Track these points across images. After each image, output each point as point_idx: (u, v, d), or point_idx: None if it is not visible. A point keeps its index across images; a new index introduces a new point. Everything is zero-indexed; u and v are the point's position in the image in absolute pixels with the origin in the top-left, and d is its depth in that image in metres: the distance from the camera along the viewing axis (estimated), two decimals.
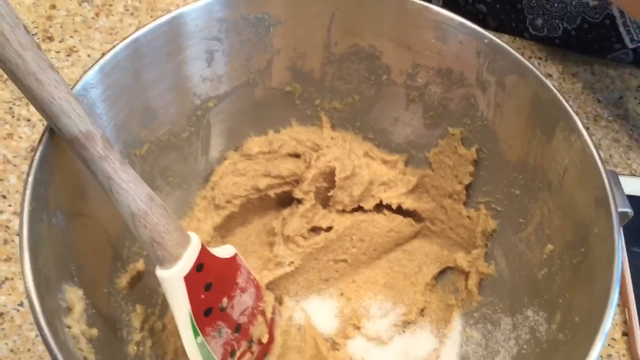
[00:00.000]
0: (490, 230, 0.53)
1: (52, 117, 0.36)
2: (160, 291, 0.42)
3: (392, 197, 0.56)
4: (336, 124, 0.56)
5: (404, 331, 0.55)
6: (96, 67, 0.40)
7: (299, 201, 0.55)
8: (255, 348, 0.49)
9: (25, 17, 0.68)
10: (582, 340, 0.39)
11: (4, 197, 0.57)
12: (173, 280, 0.41)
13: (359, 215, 0.56)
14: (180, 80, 0.47)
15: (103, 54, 0.41)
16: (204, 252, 0.43)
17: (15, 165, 0.58)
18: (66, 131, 0.36)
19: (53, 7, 0.69)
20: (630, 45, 0.73)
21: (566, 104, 0.44)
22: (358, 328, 0.54)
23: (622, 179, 0.62)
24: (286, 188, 0.55)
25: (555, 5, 0.72)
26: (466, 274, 0.54)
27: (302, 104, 0.55)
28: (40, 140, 0.38)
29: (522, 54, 0.47)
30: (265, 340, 0.49)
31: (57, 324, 0.36)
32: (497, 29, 0.78)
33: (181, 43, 0.45)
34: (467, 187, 0.54)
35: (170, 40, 0.44)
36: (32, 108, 0.61)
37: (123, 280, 0.46)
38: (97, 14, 0.69)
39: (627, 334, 0.57)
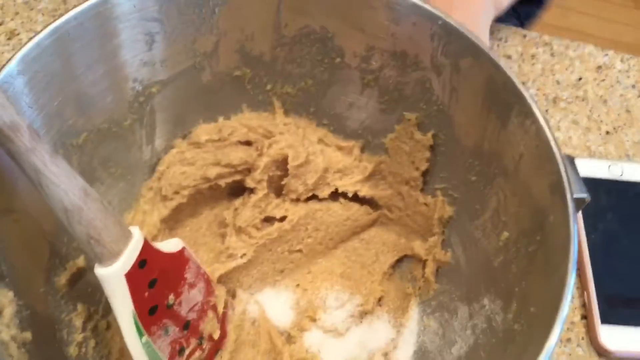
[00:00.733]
0: (446, 217, 0.52)
1: None
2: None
3: (347, 184, 0.55)
4: (289, 109, 0.54)
5: (361, 322, 0.53)
6: (18, 55, 0.38)
7: (251, 190, 0.53)
8: (206, 345, 0.47)
9: None
10: (538, 330, 0.38)
11: None
12: (113, 279, 0.39)
13: (313, 204, 0.54)
14: (117, 65, 0.44)
15: (27, 42, 0.38)
16: (146, 247, 0.41)
17: None
18: None
19: None
20: None
21: (521, 88, 0.42)
22: (314, 320, 0.53)
23: (580, 161, 0.62)
24: (237, 177, 0.53)
25: None
26: (423, 262, 0.53)
27: (253, 89, 0.53)
28: None
29: None
30: (216, 336, 0.48)
31: None
32: None
33: (116, 25, 0.42)
34: (424, 174, 0.53)
35: (104, 22, 0.41)
36: None
37: (62, 279, 0.44)
38: None
39: (586, 316, 0.57)
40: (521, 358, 0.39)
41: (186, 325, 0.45)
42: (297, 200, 0.54)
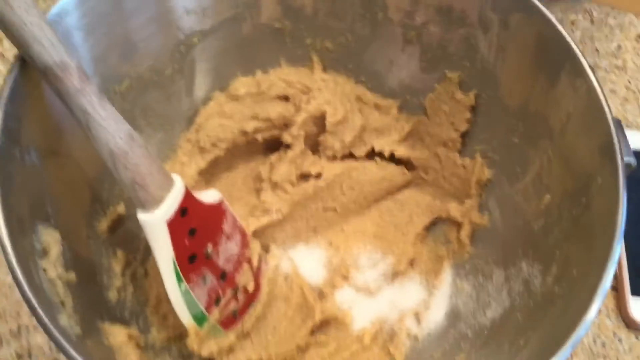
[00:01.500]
0: (485, 179, 0.51)
1: (22, 44, 0.33)
2: (142, 236, 0.40)
3: (384, 144, 0.54)
4: (328, 65, 0.53)
5: (392, 282, 0.53)
6: None
7: (288, 146, 0.53)
8: (240, 296, 0.47)
9: None
10: (580, 294, 0.38)
11: None
12: (156, 225, 0.39)
13: (349, 162, 0.54)
14: (163, 11, 0.44)
15: None
16: (188, 196, 0.41)
17: None
18: (39, 60, 0.34)
19: None
20: None
21: (574, 45, 0.41)
22: (346, 278, 0.53)
23: None
24: (274, 132, 0.53)
25: None
26: (458, 225, 0.53)
27: (292, 42, 0.52)
28: (10, 69, 0.35)
29: None
30: (251, 288, 0.48)
31: (31, 266, 0.34)
32: None
33: None
34: (463, 135, 0.52)
35: None
36: (6, 43, 0.58)
37: (103, 224, 0.44)
38: None
39: (617, 288, 0.56)
40: (561, 321, 0.38)
41: (222, 276, 0.45)
42: (333, 157, 0.54)
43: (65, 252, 0.37)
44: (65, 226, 0.38)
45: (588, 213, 0.41)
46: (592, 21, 0.71)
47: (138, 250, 0.46)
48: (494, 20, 0.45)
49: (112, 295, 0.43)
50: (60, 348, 0.32)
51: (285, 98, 0.52)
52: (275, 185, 0.52)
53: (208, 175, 0.52)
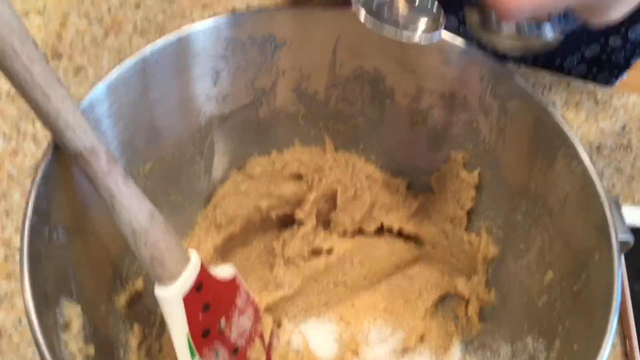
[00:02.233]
0: (491, 256, 0.53)
1: (57, 131, 0.36)
2: (158, 312, 0.42)
3: (393, 220, 0.56)
4: (339, 145, 0.56)
5: (402, 357, 0.54)
6: (104, 83, 0.41)
7: (300, 222, 0.55)
8: None
9: (35, 34, 0.69)
10: None
11: (7, 213, 0.57)
12: (172, 299, 0.41)
13: (359, 239, 0.56)
14: (186, 99, 0.47)
15: (111, 71, 0.41)
16: (203, 271, 0.43)
17: (19, 182, 0.59)
18: (70, 146, 0.36)
19: (63, 25, 0.70)
20: None
21: (568, 131, 0.44)
22: (356, 353, 0.54)
23: (624, 209, 0.62)
24: (287, 209, 0.55)
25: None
26: (466, 301, 0.54)
27: (305, 125, 0.55)
28: (44, 154, 0.38)
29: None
30: None
31: (54, 340, 0.36)
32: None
33: (188, 61, 0.45)
34: (469, 212, 0.54)
35: (178, 58, 0.44)
36: (38, 124, 0.62)
37: (122, 299, 0.46)
38: (106, 34, 0.70)
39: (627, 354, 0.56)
40: None
41: (235, 351, 0.47)
42: (344, 233, 0.56)
43: (86, 326, 0.39)
44: (86, 301, 0.40)
45: (587, 288, 0.42)
46: (596, 102, 0.74)
47: (154, 326, 0.48)
48: (493, 106, 0.48)
49: None
50: None
51: (299, 176, 0.55)
52: (287, 261, 0.54)
53: (223, 251, 0.54)
